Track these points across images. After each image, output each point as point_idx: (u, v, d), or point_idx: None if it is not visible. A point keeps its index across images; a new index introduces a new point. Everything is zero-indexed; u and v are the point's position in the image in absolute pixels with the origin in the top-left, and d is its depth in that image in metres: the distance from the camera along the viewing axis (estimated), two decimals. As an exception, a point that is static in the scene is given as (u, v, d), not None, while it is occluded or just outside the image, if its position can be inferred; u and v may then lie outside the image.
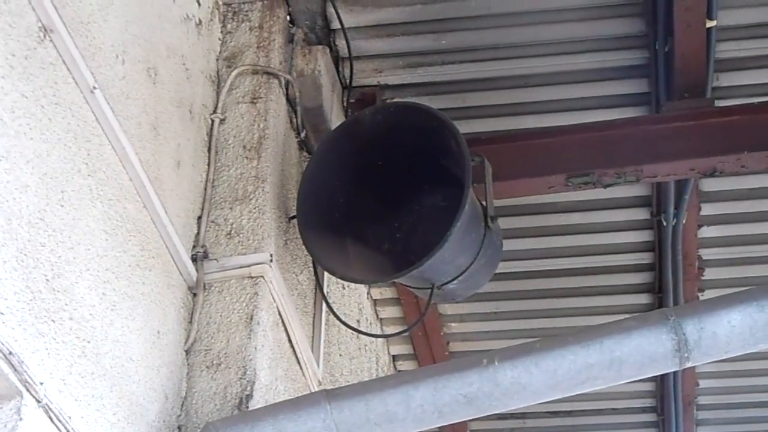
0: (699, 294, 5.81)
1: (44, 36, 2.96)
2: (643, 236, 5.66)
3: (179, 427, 3.52)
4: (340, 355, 4.97)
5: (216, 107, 4.22)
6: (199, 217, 3.96)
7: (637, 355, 3.27)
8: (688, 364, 3.32)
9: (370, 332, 5.70)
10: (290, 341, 4.06)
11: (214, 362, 3.66)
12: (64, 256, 2.92)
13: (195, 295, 3.79)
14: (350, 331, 4.72)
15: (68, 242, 2.96)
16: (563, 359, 3.28)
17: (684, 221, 5.34)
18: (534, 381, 3.28)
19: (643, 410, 6.92)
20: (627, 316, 4.41)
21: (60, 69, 3.04)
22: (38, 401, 2.70)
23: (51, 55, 2.99)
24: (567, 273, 5.88)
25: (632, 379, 3.39)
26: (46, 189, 2.88)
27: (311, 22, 4.73)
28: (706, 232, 5.57)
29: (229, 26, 4.51)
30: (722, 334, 3.25)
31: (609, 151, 4.64)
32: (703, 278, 5.78)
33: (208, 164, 4.09)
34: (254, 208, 4.00)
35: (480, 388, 3.28)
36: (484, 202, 4.25)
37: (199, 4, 4.24)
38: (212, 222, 3.98)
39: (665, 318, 3.29)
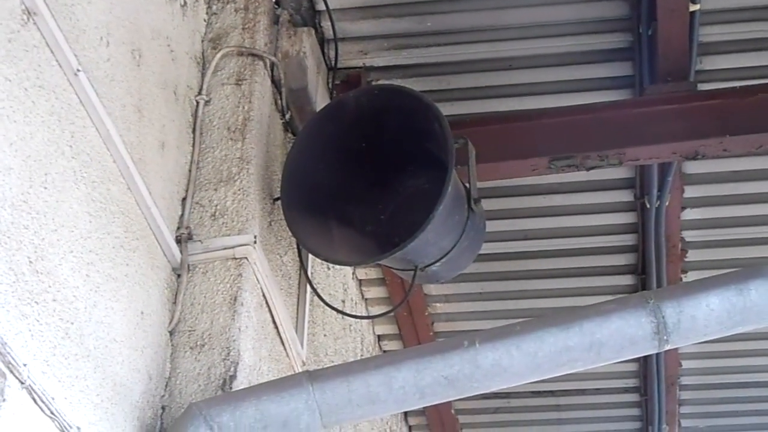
0: (682, 276, 5.85)
1: (27, 19, 2.97)
2: (627, 218, 5.69)
3: (163, 408, 3.55)
4: (325, 335, 5.00)
5: (201, 89, 4.22)
6: (184, 199, 3.97)
7: (617, 337, 3.31)
8: (667, 347, 3.35)
9: (354, 313, 5.73)
10: (274, 322, 4.08)
11: (198, 343, 3.68)
12: (47, 238, 2.94)
13: (179, 276, 3.80)
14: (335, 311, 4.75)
15: (52, 224, 2.97)
16: (543, 342, 3.31)
17: (667, 203, 5.37)
18: (514, 363, 3.31)
19: (626, 390, 6.98)
20: (610, 297, 4.47)
21: (44, 52, 3.04)
22: (21, 383, 2.71)
23: (34, 38, 3.00)
24: (551, 254, 5.92)
25: (612, 361, 3.42)
26: (29, 171, 2.89)
27: (296, 4, 4.74)
28: (689, 214, 5.61)
29: (214, 7, 4.51)
30: (701, 318, 3.29)
31: (592, 133, 4.67)
32: (686, 260, 5.83)
33: (193, 146, 4.09)
34: (239, 190, 4.01)
35: (461, 370, 3.30)
36: (467, 184, 4.26)
37: (184, -14, 4.24)
38: (197, 203, 3.99)
39: (645, 301, 3.33)
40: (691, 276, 5.82)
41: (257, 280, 3.91)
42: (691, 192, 5.48)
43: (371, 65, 5.04)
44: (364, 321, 6.04)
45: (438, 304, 6.31)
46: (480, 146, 4.37)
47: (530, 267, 6.02)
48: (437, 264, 4.25)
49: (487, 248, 4.85)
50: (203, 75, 4.27)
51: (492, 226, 5.00)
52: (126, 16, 3.63)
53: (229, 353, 3.64)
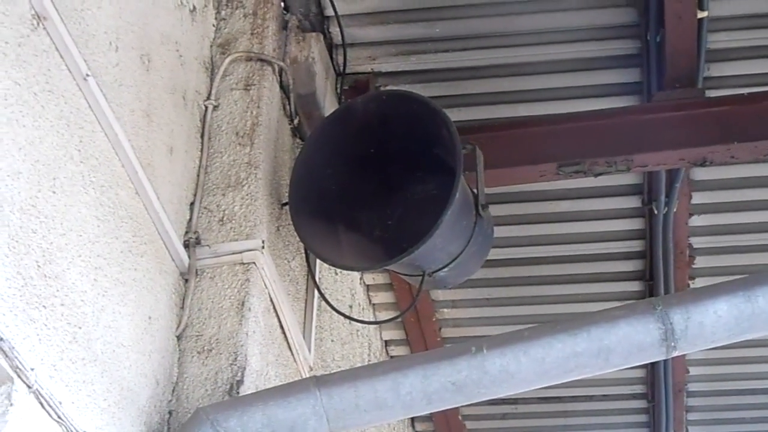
0: (690, 282, 5.85)
1: (38, 23, 2.97)
2: (634, 224, 5.69)
3: (170, 413, 3.54)
4: (332, 340, 5.00)
5: (209, 94, 4.23)
6: (192, 204, 3.97)
7: (625, 343, 3.30)
8: (675, 354, 3.34)
9: (361, 318, 5.73)
10: (282, 327, 4.08)
11: (206, 348, 3.68)
12: (55, 243, 2.94)
13: (187, 281, 3.80)
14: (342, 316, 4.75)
15: (60, 229, 2.98)
16: (551, 347, 3.30)
17: (675, 210, 5.38)
18: (522, 369, 3.31)
19: (634, 397, 6.97)
20: (618, 303, 4.47)
21: (53, 56, 3.05)
22: (29, 387, 2.71)
23: (44, 43, 3.00)
24: (559, 260, 5.92)
25: (620, 368, 3.42)
26: (38, 176, 2.89)
27: (305, 9, 4.74)
28: (697, 220, 5.61)
29: (223, 13, 4.52)
30: (708, 324, 3.28)
31: (600, 140, 4.67)
32: (694, 266, 5.83)
33: (201, 151, 4.10)
34: (247, 195, 4.01)
35: (468, 376, 3.30)
36: (475, 190, 4.26)
37: (193, -9, 4.25)
38: (205, 208, 3.99)
39: (652, 307, 3.32)
40: (698, 282, 5.82)
41: (265, 285, 3.91)
42: (698, 198, 5.48)
43: (379, 71, 5.04)
44: (372, 326, 6.04)
45: (445, 310, 6.31)
46: (488, 152, 4.37)
47: (538, 273, 6.01)
48: (445, 269, 4.25)
49: (494, 254, 4.85)
50: (212, 80, 4.27)
51: (500, 231, 5.00)
52: (135, 21, 3.64)
53: (236, 358, 3.63)
